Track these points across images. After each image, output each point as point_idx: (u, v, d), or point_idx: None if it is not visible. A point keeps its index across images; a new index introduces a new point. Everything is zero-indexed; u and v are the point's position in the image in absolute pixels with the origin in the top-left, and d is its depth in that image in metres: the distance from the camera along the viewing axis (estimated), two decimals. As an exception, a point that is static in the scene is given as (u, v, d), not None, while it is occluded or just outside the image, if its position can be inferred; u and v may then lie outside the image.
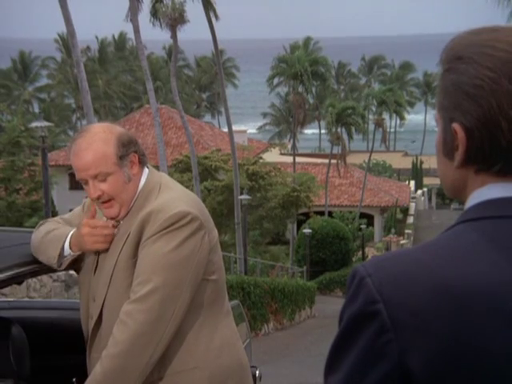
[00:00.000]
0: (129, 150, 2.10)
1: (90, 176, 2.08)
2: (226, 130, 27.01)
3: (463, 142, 0.92)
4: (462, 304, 0.84)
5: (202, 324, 2.08)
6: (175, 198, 2.08)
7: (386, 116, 42.25)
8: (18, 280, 2.66)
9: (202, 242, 2.04)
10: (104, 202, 2.10)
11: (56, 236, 2.19)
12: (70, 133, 57.34)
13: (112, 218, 2.13)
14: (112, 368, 1.95)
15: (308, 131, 59.37)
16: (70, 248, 2.16)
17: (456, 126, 0.92)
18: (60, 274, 7.13)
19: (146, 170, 2.17)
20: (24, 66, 56.46)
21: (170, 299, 1.97)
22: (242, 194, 21.64)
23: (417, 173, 47.37)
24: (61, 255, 2.17)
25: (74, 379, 2.61)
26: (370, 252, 30.97)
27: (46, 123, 18.66)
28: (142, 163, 2.14)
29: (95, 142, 2.07)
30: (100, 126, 2.14)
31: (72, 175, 36.16)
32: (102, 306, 2.11)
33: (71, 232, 2.17)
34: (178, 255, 2.00)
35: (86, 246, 2.12)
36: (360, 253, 30.27)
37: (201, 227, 2.04)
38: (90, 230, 2.10)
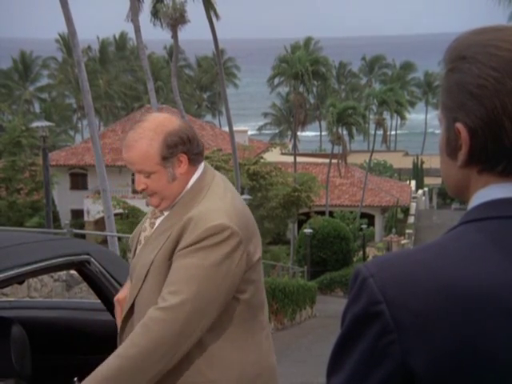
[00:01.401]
0: (175, 152, 2.06)
1: (134, 170, 2.10)
2: (226, 129, 27.03)
3: (466, 142, 0.92)
4: (465, 305, 0.84)
5: (226, 339, 2.05)
6: (220, 207, 2.03)
7: (386, 116, 42.25)
8: (18, 280, 2.66)
9: (239, 260, 2.01)
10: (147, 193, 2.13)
11: None
12: (71, 133, 57.45)
13: (152, 206, 2.16)
14: (125, 368, 1.93)
15: (308, 133, 59.37)
16: None
17: (459, 125, 0.92)
18: (61, 273, 7.13)
19: (200, 168, 2.13)
20: (25, 66, 56.48)
21: (197, 314, 1.95)
22: (242, 193, 21.65)
23: (417, 173, 47.37)
24: None
25: (75, 379, 2.60)
26: (371, 252, 30.97)
27: (46, 123, 18.67)
28: (194, 162, 2.10)
29: (141, 139, 2.05)
30: (154, 122, 2.09)
31: (73, 175, 36.18)
32: (135, 299, 2.13)
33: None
34: (215, 272, 1.97)
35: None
36: (361, 253, 30.26)
37: (239, 244, 2.00)
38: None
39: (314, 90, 44.14)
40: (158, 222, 2.17)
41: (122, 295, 2.23)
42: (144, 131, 2.07)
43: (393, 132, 58.72)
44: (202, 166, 2.14)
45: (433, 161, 46.97)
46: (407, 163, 49.56)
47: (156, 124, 2.07)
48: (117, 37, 63.00)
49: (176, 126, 2.09)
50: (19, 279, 2.65)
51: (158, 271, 2.04)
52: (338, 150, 36.18)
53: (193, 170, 2.11)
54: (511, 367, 0.84)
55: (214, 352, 2.04)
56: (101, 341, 2.98)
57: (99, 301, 2.88)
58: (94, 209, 30.28)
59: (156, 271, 2.05)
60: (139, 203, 25.42)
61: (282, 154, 40.93)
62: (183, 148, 2.07)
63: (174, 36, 24.88)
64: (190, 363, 2.02)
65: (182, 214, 2.06)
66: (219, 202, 2.05)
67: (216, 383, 2.04)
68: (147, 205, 2.23)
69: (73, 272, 6.63)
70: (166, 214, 2.13)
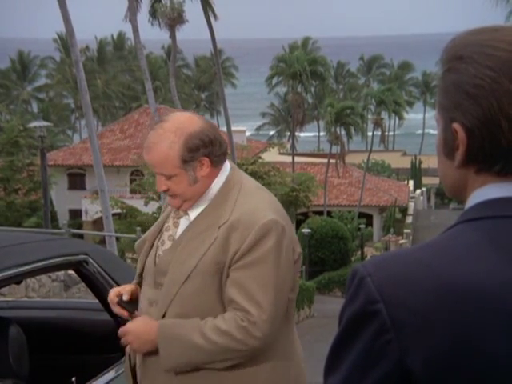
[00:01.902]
0: (196, 155, 1.99)
1: (155, 172, 2.05)
2: (224, 129, 27.01)
3: (464, 142, 0.92)
4: (462, 304, 0.84)
5: (276, 340, 2.03)
6: (262, 204, 2.01)
7: (384, 116, 42.26)
8: (16, 280, 2.66)
9: (292, 255, 2.01)
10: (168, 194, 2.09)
11: None
12: (69, 132, 57.40)
13: (173, 207, 2.11)
14: (203, 349, 1.94)
15: (306, 134, 59.37)
16: None
17: (456, 125, 0.92)
18: (59, 273, 7.13)
19: (225, 167, 2.08)
20: (23, 66, 56.42)
21: (275, 325, 1.96)
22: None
23: (416, 172, 47.38)
24: None
25: (73, 379, 2.60)
26: (369, 252, 30.97)
27: (44, 123, 18.67)
28: (217, 164, 2.04)
29: (161, 141, 1.99)
30: (175, 123, 2.01)
31: (71, 175, 36.16)
32: (172, 300, 2.04)
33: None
34: (282, 273, 1.97)
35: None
36: (359, 252, 30.26)
37: (289, 239, 2.00)
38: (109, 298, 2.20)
39: (312, 89, 44.15)
40: (181, 221, 2.10)
41: (114, 294, 2.17)
42: (164, 133, 1.99)
43: (391, 132, 58.72)
44: (226, 164, 2.08)
45: (431, 161, 46.97)
46: (405, 163, 49.56)
47: (177, 125, 2.00)
48: (115, 37, 62.95)
49: (197, 127, 2.00)
50: (17, 279, 2.65)
51: (203, 276, 1.97)
52: (336, 149, 36.18)
53: (216, 171, 2.05)
54: (509, 367, 0.84)
55: (264, 355, 2.03)
56: (99, 341, 2.98)
57: (97, 301, 2.88)
58: (92, 209, 30.25)
59: (200, 276, 1.98)
60: (137, 203, 25.42)
61: (280, 153, 40.92)
62: (205, 151, 2.00)
63: (172, 36, 24.87)
64: (242, 368, 2.00)
65: (218, 215, 2.01)
66: (259, 199, 2.03)
67: None
68: (168, 205, 2.16)
69: (71, 272, 6.62)
70: (191, 213, 2.08)
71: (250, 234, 1.94)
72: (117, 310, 2.16)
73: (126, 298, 2.14)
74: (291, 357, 2.09)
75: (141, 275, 2.19)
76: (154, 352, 2.03)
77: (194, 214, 2.08)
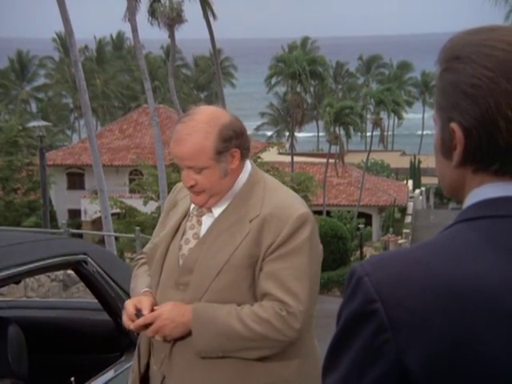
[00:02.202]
0: (229, 146, 1.96)
1: (184, 165, 1.98)
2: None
3: (461, 142, 0.92)
4: (460, 304, 0.84)
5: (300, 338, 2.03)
6: (291, 196, 2.03)
7: (384, 115, 42.27)
8: (15, 279, 2.66)
9: (321, 250, 2.04)
10: (193, 191, 2.01)
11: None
12: (68, 132, 57.38)
13: (198, 206, 2.04)
14: (241, 335, 1.92)
15: (305, 134, 59.37)
16: None
17: (454, 125, 0.92)
18: (58, 273, 7.13)
19: (247, 163, 2.06)
20: (22, 66, 56.38)
21: (309, 317, 1.99)
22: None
23: (415, 172, 47.37)
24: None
25: (71, 378, 2.60)
26: (368, 251, 30.97)
27: (43, 123, 18.67)
28: (244, 157, 2.02)
29: (196, 132, 1.93)
30: (206, 114, 1.96)
31: (70, 175, 36.15)
32: (203, 295, 2.00)
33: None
34: (315, 265, 1.99)
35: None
36: (358, 252, 30.28)
37: (317, 234, 2.03)
38: (126, 317, 2.05)
39: (311, 89, 44.11)
40: (204, 219, 2.06)
41: (132, 308, 2.02)
42: (198, 124, 1.94)
43: (390, 132, 58.72)
44: (247, 161, 2.07)
45: (430, 160, 46.94)
46: (404, 163, 49.55)
47: (209, 116, 1.96)
48: (114, 36, 62.94)
49: (228, 118, 1.99)
50: (16, 279, 2.65)
51: (236, 270, 1.95)
52: (335, 149, 36.19)
53: (242, 165, 2.03)
54: (507, 367, 0.84)
55: (290, 353, 2.02)
56: (98, 340, 2.98)
57: (96, 300, 2.88)
58: (91, 208, 30.23)
59: (233, 269, 1.95)
60: (136, 203, 25.40)
61: (280, 153, 40.91)
62: (236, 142, 1.97)
63: (171, 35, 24.87)
64: (270, 364, 1.99)
65: (245, 210, 1.99)
66: (286, 193, 2.03)
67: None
68: (194, 203, 2.05)
69: (70, 272, 6.62)
70: (214, 210, 2.03)
71: (285, 227, 1.94)
72: (139, 323, 1.99)
73: (146, 313, 2.00)
74: (315, 351, 2.10)
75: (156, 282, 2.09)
76: (184, 338, 1.97)
77: (217, 210, 2.04)
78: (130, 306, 2.02)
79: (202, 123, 1.95)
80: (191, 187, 1.99)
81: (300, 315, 1.93)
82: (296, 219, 1.95)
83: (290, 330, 1.93)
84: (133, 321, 2.00)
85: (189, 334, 1.97)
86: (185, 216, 2.11)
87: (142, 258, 2.26)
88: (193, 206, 2.09)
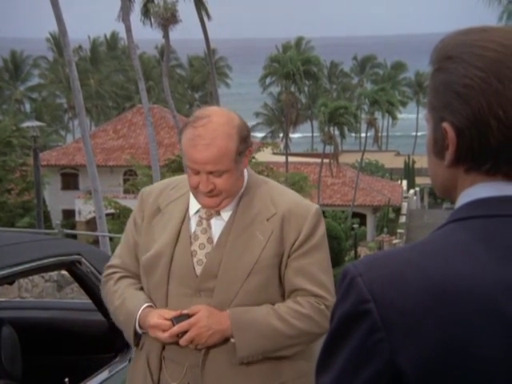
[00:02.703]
0: (247, 146, 1.94)
1: (204, 170, 1.90)
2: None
3: (453, 142, 0.92)
4: (453, 304, 0.84)
5: None
6: (298, 195, 2.08)
7: (378, 116, 42.34)
8: (9, 280, 2.65)
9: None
10: (208, 195, 1.94)
11: (126, 315, 2.03)
12: (62, 133, 57.23)
13: (209, 208, 1.99)
14: (282, 332, 1.93)
15: (298, 135, 59.38)
16: (140, 327, 2.01)
17: (446, 125, 0.92)
18: (52, 274, 7.11)
19: None
20: (15, 66, 56.21)
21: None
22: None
23: (409, 172, 47.46)
24: (136, 335, 2.03)
25: (66, 379, 2.60)
26: (363, 251, 31.00)
27: (37, 123, 18.63)
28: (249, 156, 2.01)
29: (219, 136, 1.88)
30: (221, 116, 1.91)
31: (64, 175, 36.07)
32: (235, 297, 1.97)
33: (139, 312, 1.99)
34: (330, 261, 2.07)
35: (150, 333, 1.97)
36: (353, 252, 30.32)
37: None
38: (156, 329, 1.93)
39: (306, 89, 44.19)
40: (213, 222, 2.01)
41: (161, 318, 1.94)
42: (219, 128, 1.88)
43: (384, 133, 58.81)
44: None
45: (424, 161, 47.00)
46: (399, 163, 49.64)
47: (226, 118, 1.91)
48: (108, 36, 62.83)
49: (238, 117, 1.96)
50: (10, 279, 2.64)
51: (268, 269, 1.95)
52: (329, 149, 36.22)
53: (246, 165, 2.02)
54: (500, 367, 0.84)
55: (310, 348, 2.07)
56: (92, 341, 2.97)
57: (90, 301, 2.88)
58: (85, 209, 30.18)
59: (264, 269, 1.95)
60: (130, 203, 25.35)
61: (274, 153, 40.92)
62: (249, 141, 1.97)
63: (166, 36, 24.85)
64: (298, 358, 2.02)
65: (257, 210, 1.98)
66: (290, 191, 2.10)
67: (306, 377, 2.04)
68: (206, 205, 1.98)
69: (64, 272, 6.60)
70: (223, 212, 2.00)
71: (304, 223, 1.98)
72: (175, 331, 1.91)
73: (176, 313, 1.92)
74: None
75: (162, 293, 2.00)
76: (216, 345, 1.94)
77: (225, 212, 2.00)
78: (155, 317, 1.94)
79: (222, 125, 1.89)
80: (210, 192, 1.93)
81: (332, 306, 1.99)
82: (314, 215, 2.00)
83: (328, 322, 1.95)
84: (165, 331, 1.91)
85: (223, 341, 1.95)
86: (183, 221, 2.03)
87: (115, 273, 2.12)
88: (196, 209, 2.02)
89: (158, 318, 1.94)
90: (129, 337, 2.05)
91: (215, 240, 2.00)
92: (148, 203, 2.09)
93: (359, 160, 38.87)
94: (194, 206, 2.03)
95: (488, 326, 0.84)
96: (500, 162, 0.91)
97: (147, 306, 2.00)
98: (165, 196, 2.08)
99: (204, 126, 1.88)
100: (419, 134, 62.62)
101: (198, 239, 2.01)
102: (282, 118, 53.23)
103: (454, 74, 0.92)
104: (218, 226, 2.01)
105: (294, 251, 1.97)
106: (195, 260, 1.99)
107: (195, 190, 1.96)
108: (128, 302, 2.03)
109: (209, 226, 2.01)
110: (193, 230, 2.02)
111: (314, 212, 2.00)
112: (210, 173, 1.91)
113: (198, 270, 1.99)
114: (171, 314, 1.94)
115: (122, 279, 2.10)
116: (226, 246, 1.98)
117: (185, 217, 2.03)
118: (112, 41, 62.67)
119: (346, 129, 36.20)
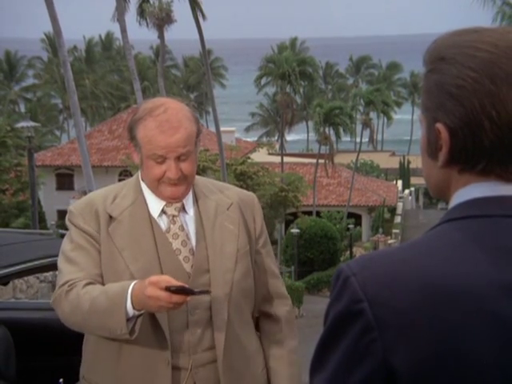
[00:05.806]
0: (200, 130, 1.99)
1: (174, 155, 1.89)
2: (213, 129, 26.98)
3: (447, 142, 0.92)
4: (446, 304, 0.85)
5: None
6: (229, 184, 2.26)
7: (373, 116, 42.36)
8: (3, 281, 2.64)
9: None
10: (174, 183, 1.92)
11: (111, 301, 1.79)
12: (57, 133, 57.10)
13: (174, 199, 1.96)
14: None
15: (294, 138, 59.36)
16: (133, 308, 1.78)
17: (439, 126, 0.93)
18: (47, 274, 7.10)
19: None
20: (10, 66, 56.07)
21: None
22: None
23: (404, 172, 47.52)
24: (128, 320, 1.79)
25: (60, 380, 2.59)
26: (358, 251, 31.02)
27: (32, 123, 18.58)
28: None
29: (183, 118, 1.91)
30: (175, 102, 1.96)
31: (59, 175, 36.01)
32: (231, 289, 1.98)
33: (130, 290, 1.78)
34: None
35: (151, 308, 1.78)
36: (348, 252, 30.33)
37: None
38: (156, 294, 1.72)
39: (301, 90, 44.18)
40: (181, 218, 1.98)
41: (157, 285, 1.73)
42: (181, 111, 1.92)
43: (379, 136, 58.88)
44: None
45: (419, 161, 46.97)
46: (394, 163, 49.71)
47: (179, 103, 1.96)
48: (103, 37, 62.74)
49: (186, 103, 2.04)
50: (4, 280, 2.63)
51: (245, 257, 2.02)
52: (324, 150, 36.24)
53: None
54: (493, 368, 0.84)
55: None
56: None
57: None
58: (80, 209, 30.05)
59: (243, 258, 2.01)
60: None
61: (269, 154, 40.94)
62: (200, 126, 2.02)
63: (161, 36, 24.83)
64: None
65: (214, 200, 2.03)
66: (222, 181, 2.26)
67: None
68: (171, 197, 1.95)
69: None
70: (186, 207, 1.99)
71: (254, 211, 2.08)
72: (176, 298, 1.73)
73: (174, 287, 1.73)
74: None
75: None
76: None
77: (188, 206, 2.00)
78: (152, 285, 1.73)
79: (181, 110, 1.93)
80: (179, 179, 1.91)
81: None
82: (258, 203, 2.10)
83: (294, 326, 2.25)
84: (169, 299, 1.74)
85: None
86: (151, 225, 1.96)
87: (78, 281, 1.88)
88: (160, 209, 1.97)
89: (157, 283, 1.74)
90: (118, 322, 1.78)
91: (192, 235, 1.98)
92: (91, 215, 1.97)
93: (354, 160, 38.91)
94: (155, 207, 1.98)
95: (481, 326, 0.84)
96: (493, 163, 0.91)
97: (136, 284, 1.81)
98: (113, 206, 1.97)
99: (166, 113, 1.90)
100: (413, 138, 62.71)
101: (178, 237, 1.97)
102: (277, 118, 53.25)
103: (446, 74, 0.92)
104: (188, 220, 2.00)
105: (256, 241, 2.07)
106: (181, 258, 1.97)
107: (158, 181, 1.93)
108: (110, 288, 1.84)
109: (185, 222, 1.99)
110: (166, 228, 1.97)
111: (256, 200, 2.12)
112: (177, 158, 1.90)
113: (187, 267, 1.96)
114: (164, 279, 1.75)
115: (92, 284, 1.89)
116: (205, 240, 1.98)
117: (151, 221, 1.97)
118: (107, 41, 62.57)
119: (341, 129, 36.20)
